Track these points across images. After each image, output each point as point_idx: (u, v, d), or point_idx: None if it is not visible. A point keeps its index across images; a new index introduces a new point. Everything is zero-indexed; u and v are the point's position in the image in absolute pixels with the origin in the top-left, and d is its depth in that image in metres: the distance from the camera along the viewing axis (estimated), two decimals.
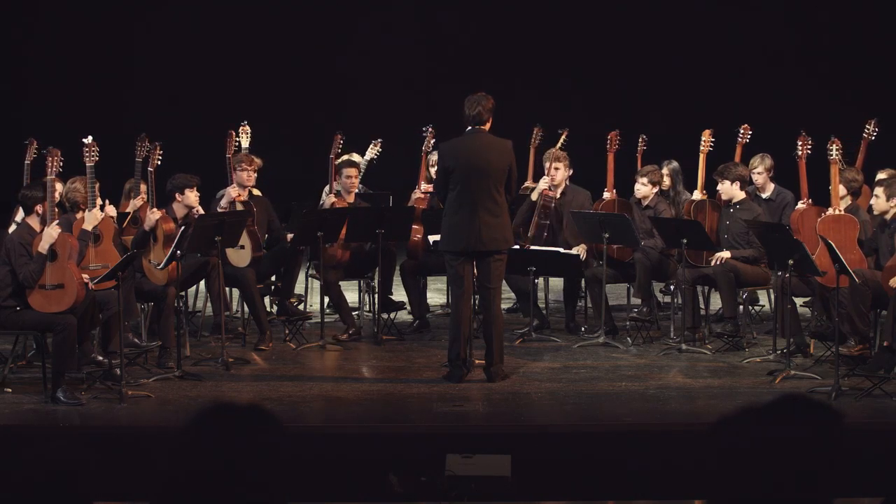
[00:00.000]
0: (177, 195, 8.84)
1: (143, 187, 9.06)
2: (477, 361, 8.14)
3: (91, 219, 7.95)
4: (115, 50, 13.71)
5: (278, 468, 2.03)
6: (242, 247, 9.10)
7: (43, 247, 7.42)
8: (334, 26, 13.94)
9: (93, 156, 8.09)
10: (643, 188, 9.61)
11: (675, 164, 10.31)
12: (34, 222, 7.57)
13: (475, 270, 8.06)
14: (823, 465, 2.13)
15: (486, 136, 7.94)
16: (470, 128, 7.96)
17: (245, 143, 9.91)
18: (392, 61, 13.89)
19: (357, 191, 9.90)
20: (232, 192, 9.29)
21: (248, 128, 10.04)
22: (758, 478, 2.12)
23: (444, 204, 8.11)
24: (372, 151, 10.27)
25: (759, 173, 9.64)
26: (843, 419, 2.20)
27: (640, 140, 10.25)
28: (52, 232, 7.45)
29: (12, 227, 8.17)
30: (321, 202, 9.84)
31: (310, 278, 10.18)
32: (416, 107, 13.22)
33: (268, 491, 2.01)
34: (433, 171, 9.53)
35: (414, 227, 9.55)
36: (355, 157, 10.31)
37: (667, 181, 10.24)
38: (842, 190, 8.76)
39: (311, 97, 13.85)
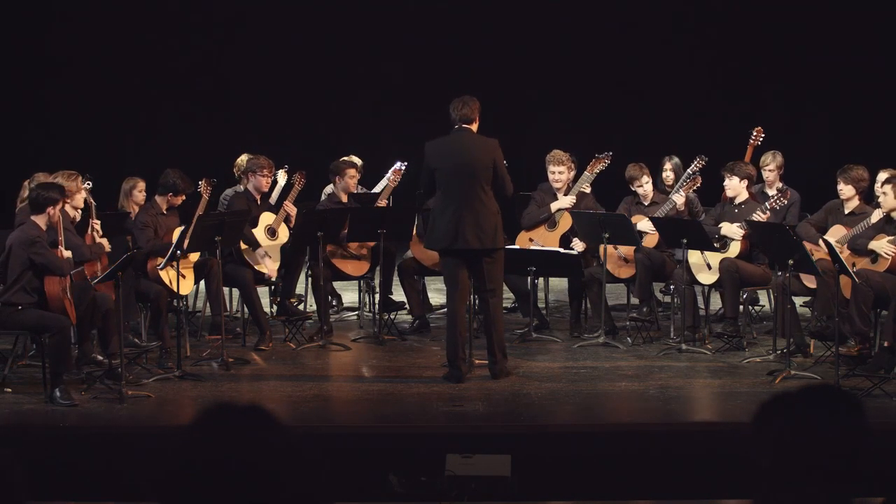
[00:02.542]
0: (170, 196, 8.96)
1: (142, 184, 9.35)
2: (477, 361, 8.14)
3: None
4: (119, 50, 13.70)
5: (280, 468, 2.03)
6: (269, 256, 9.26)
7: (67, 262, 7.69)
8: (334, 27, 13.92)
9: (90, 200, 8.47)
10: (646, 186, 9.60)
11: (676, 159, 10.33)
12: (41, 221, 7.57)
13: (471, 271, 8.03)
14: (850, 462, 2.13)
15: (471, 134, 7.93)
16: (456, 127, 7.96)
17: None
18: (394, 63, 13.87)
19: (355, 191, 9.97)
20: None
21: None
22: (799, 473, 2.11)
23: (426, 201, 8.06)
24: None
25: (770, 170, 9.75)
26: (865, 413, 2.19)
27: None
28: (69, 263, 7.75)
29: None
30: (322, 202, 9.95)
31: (310, 278, 10.18)
32: (417, 108, 13.23)
33: (271, 492, 2.01)
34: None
35: None
36: (354, 159, 10.34)
37: (671, 176, 10.24)
38: (850, 191, 8.73)
39: (311, 98, 13.85)
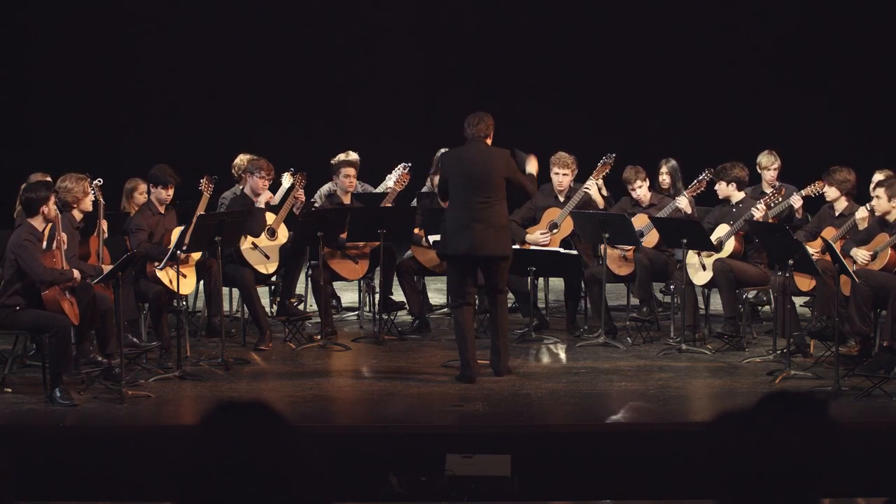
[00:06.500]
0: (151, 186, 8.92)
1: (143, 186, 9.29)
2: (479, 362, 8.14)
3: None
4: (118, 49, 13.70)
5: (282, 467, 2.03)
6: (268, 257, 9.23)
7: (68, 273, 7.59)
8: (334, 29, 13.92)
9: (99, 199, 8.39)
10: (640, 190, 9.62)
11: (672, 162, 10.33)
12: (38, 223, 7.57)
13: (479, 275, 8.08)
14: (812, 461, 2.12)
15: (483, 145, 8.04)
16: (471, 139, 8.04)
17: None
18: (395, 64, 13.86)
19: (355, 190, 9.96)
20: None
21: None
22: (756, 476, 2.11)
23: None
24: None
25: (775, 169, 9.94)
26: (829, 411, 2.19)
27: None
28: (76, 276, 7.63)
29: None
30: (314, 201, 9.97)
31: (310, 278, 10.18)
32: (417, 109, 13.23)
33: (272, 491, 2.01)
34: None
35: None
36: (352, 156, 10.33)
37: (667, 179, 10.24)
38: (835, 192, 8.85)
39: (311, 98, 13.84)
